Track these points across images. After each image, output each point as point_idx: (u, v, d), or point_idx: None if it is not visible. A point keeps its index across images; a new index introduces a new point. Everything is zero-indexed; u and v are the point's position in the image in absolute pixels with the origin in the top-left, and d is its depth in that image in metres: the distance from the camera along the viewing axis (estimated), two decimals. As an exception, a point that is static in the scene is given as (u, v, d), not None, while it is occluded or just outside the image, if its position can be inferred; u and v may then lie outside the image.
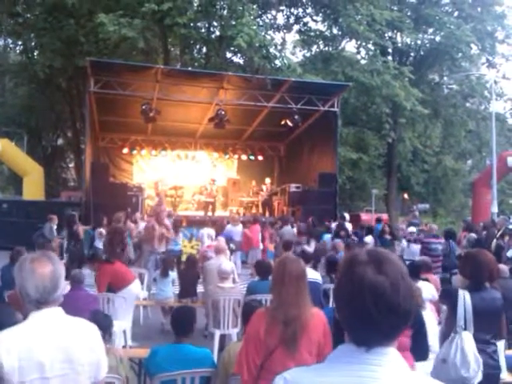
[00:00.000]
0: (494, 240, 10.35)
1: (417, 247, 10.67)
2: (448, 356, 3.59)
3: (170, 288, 7.59)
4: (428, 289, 5.06)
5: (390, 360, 1.28)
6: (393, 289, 1.25)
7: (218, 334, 6.16)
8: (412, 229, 11.90)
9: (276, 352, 2.78)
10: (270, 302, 3.25)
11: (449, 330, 3.76)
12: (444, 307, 5.33)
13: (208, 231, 12.14)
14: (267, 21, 24.69)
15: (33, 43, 25.99)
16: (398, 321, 1.27)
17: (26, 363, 1.97)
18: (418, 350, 3.51)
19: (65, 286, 2.21)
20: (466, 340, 3.57)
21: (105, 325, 3.77)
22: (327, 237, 12.03)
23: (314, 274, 6.30)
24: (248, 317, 3.37)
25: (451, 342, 3.63)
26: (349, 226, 13.70)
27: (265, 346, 2.81)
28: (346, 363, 1.30)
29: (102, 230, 10.61)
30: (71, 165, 35.29)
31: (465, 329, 3.63)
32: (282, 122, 17.73)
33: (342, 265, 1.39)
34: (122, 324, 6.03)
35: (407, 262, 6.76)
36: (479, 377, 3.53)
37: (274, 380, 1.42)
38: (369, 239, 11.75)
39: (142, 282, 8.51)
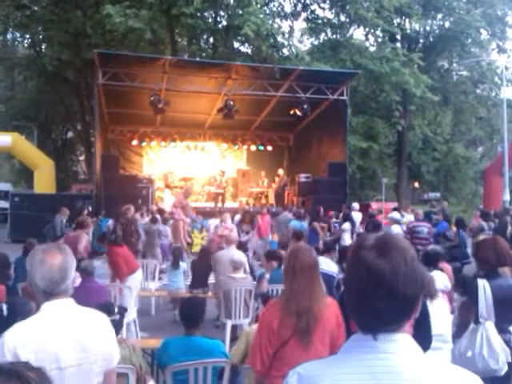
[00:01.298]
0: (510, 228, 10.28)
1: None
2: (473, 348, 3.51)
3: (181, 279, 7.61)
4: (442, 279, 5.01)
5: (401, 346, 1.25)
6: (392, 273, 1.22)
7: (229, 324, 6.17)
8: (396, 214, 11.78)
9: (289, 343, 2.77)
10: (280, 291, 3.22)
11: (464, 319, 3.71)
12: (456, 296, 5.29)
13: (216, 222, 12.18)
14: (274, 9, 24.56)
15: (40, 36, 26.06)
16: (398, 306, 1.24)
17: (42, 355, 2.00)
18: (419, 340, 3.47)
19: (75, 278, 2.23)
20: (491, 331, 3.49)
21: (117, 316, 3.78)
22: (295, 223, 12.00)
23: (330, 266, 6.23)
24: None
25: (474, 334, 3.55)
26: (358, 216, 13.62)
27: (278, 336, 2.79)
28: (358, 353, 1.27)
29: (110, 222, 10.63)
30: (81, 158, 35.45)
31: (486, 319, 3.58)
32: (291, 112, 17.64)
33: (350, 251, 1.37)
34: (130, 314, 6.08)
35: None
36: (505, 367, 3.47)
37: (287, 375, 1.39)
38: (347, 226, 11.86)
39: (154, 273, 8.58)
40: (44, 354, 2.01)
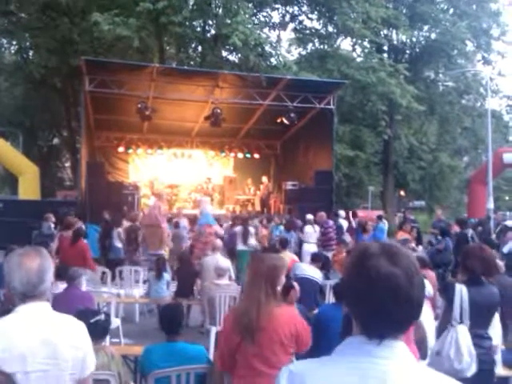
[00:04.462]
0: (494, 235, 10.47)
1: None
2: (442, 348, 3.61)
3: (164, 289, 7.55)
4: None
5: (397, 353, 1.27)
6: (408, 280, 1.25)
7: (214, 330, 6.14)
8: (309, 216, 12.43)
9: (240, 346, 2.87)
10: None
11: (445, 324, 3.77)
12: (441, 303, 5.35)
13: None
14: (262, 19, 24.66)
15: (27, 43, 25.91)
16: (412, 312, 1.27)
17: (8, 355, 1.96)
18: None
19: (52, 280, 2.20)
20: (461, 333, 3.58)
21: (104, 325, 3.74)
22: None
23: (315, 273, 6.30)
24: None
25: (446, 335, 3.65)
26: (345, 223, 13.72)
27: (230, 340, 2.92)
28: (352, 355, 1.28)
29: (120, 230, 10.37)
30: (67, 164, 35.25)
31: (461, 322, 3.64)
32: (278, 120, 17.70)
33: (351, 258, 1.36)
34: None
35: None
36: (472, 369, 3.54)
37: (280, 372, 1.40)
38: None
39: (138, 281, 8.52)
40: (9, 355, 1.96)
